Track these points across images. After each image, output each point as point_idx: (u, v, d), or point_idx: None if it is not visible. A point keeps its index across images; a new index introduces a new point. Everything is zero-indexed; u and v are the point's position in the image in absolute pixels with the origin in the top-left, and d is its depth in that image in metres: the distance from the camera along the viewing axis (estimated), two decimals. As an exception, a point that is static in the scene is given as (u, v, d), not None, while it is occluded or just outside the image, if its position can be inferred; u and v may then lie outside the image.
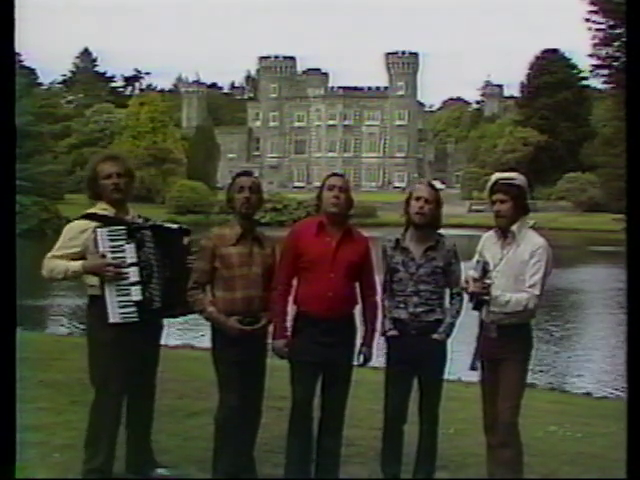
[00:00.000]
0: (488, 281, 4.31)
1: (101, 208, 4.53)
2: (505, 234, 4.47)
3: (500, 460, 4.44)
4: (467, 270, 4.47)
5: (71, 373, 6.95)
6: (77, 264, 4.36)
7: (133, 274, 4.39)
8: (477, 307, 4.40)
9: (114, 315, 4.32)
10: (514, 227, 4.43)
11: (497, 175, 4.57)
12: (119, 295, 4.34)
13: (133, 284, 4.38)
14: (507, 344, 4.41)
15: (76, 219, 4.55)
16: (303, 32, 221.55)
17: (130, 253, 4.39)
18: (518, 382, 4.47)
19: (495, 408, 4.47)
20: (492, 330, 4.44)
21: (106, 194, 4.51)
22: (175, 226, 4.77)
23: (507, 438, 4.41)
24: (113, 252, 4.35)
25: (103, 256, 4.32)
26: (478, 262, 4.41)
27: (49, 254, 4.42)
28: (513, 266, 4.40)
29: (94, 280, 4.38)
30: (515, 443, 4.43)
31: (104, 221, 4.42)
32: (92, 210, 4.55)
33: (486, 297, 4.32)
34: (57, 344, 10.41)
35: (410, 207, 4.54)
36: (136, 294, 4.38)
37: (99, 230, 4.35)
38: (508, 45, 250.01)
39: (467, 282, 4.37)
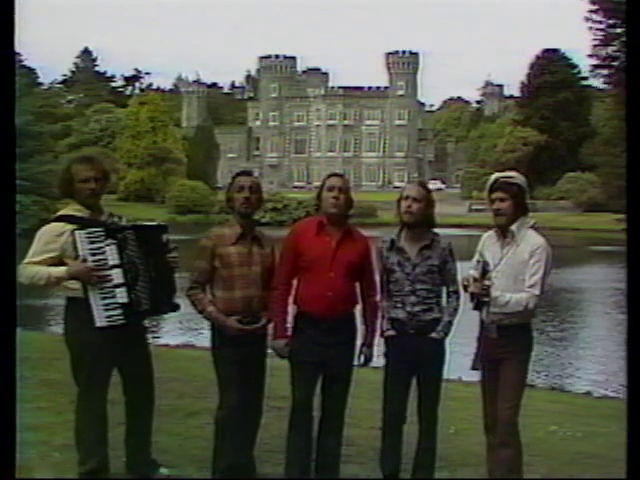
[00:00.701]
0: (487, 282, 4.31)
1: (74, 209, 4.39)
2: (505, 234, 4.46)
3: (499, 460, 4.43)
4: (468, 270, 4.47)
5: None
6: (61, 270, 4.20)
7: (116, 276, 4.26)
8: (477, 307, 4.40)
9: (100, 319, 4.20)
10: (513, 227, 4.42)
11: (496, 174, 4.58)
12: (104, 298, 4.23)
13: (117, 286, 4.26)
14: (507, 344, 4.40)
15: (52, 221, 4.39)
16: (303, 32, 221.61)
17: (112, 255, 4.26)
18: (518, 382, 4.46)
19: (495, 408, 4.46)
20: (492, 330, 4.43)
21: (80, 198, 4.38)
22: (153, 224, 4.66)
23: (506, 438, 4.40)
24: (93, 254, 4.20)
25: (85, 260, 4.18)
26: (478, 262, 4.41)
27: (25, 260, 4.24)
28: (513, 266, 4.39)
29: (74, 282, 4.25)
30: (515, 443, 4.42)
31: (81, 223, 4.27)
32: (65, 211, 4.41)
33: (485, 298, 4.32)
34: (57, 344, 10.37)
35: (400, 207, 4.54)
36: (121, 296, 4.26)
37: (77, 232, 4.19)
38: (508, 45, 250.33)
39: (467, 281, 4.37)
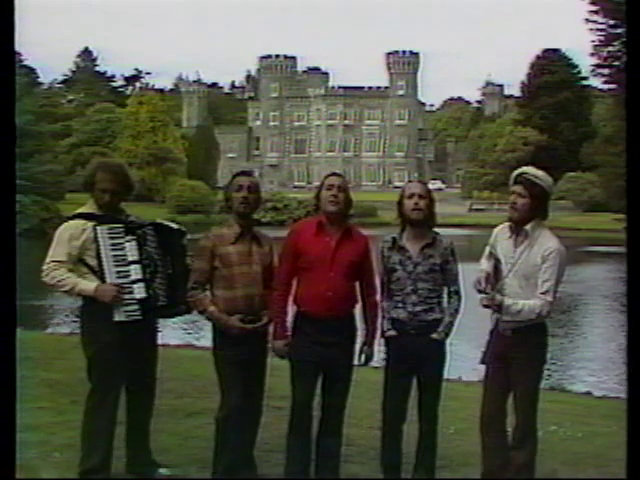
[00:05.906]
0: (499, 297, 4.23)
1: (93, 208, 4.47)
2: (518, 231, 4.37)
3: (514, 462, 4.35)
4: (477, 267, 4.43)
5: (72, 373, 6.94)
6: (89, 285, 4.28)
7: (135, 272, 4.39)
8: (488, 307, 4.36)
9: (119, 313, 4.32)
10: (528, 226, 4.33)
11: (525, 168, 4.43)
12: (122, 293, 4.32)
13: (135, 282, 4.38)
14: (522, 343, 4.33)
15: (69, 218, 4.47)
16: (303, 32, 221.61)
17: (131, 250, 4.39)
18: (535, 382, 4.40)
19: (495, 407, 4.44)
20: (507, 330, 4.37)
21: (97, 202, 4.46)
22: (175, 226, 4.75)
23: (523, 441, 4.34)
24: (114, 250, 4.33)
25: (114, 285, 4.28)
26: (491, 254, 4.36)
27: (51, 259, 4.31)
28: (526, 268, 4.30)
29: (94, 280, 4.34)
30: (531, 445, 4.37)
31: (102, 220, 4.38)
32: (85, 209, 4.48)
33: (498, 313, 4.29)
34: (58, 343, 10.39)
35: (404, 207, 4.52)
36: (139, 292, 4.38)
37: (99, 228, 4.32)
38: (508, 45, 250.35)
39: (479, 283, 4.32)
